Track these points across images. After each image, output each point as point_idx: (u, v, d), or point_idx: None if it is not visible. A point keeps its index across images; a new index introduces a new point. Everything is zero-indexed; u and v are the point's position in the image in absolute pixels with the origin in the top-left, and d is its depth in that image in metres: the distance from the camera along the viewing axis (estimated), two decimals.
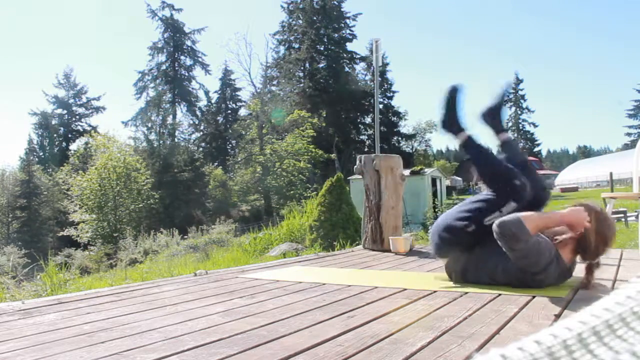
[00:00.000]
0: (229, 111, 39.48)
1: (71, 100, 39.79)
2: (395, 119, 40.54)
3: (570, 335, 0.37)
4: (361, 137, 39.31)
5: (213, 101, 38.62)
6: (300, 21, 38.41)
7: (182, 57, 36.27)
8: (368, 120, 38.44)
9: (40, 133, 39.53)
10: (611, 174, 17.19)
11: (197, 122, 37.03)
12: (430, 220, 8.87)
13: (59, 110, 39.61)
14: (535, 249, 2.11)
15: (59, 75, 39.60)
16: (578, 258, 2.30)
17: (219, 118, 39.08)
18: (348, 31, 39.24)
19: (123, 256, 12.55)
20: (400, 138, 41.47)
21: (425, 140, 46.68)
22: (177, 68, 35.88)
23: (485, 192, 2.53)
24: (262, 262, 4.93)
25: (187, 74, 36.46)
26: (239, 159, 34.49)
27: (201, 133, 37.63)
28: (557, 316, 1.72)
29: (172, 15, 35.44)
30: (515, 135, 57.36)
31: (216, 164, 36.12)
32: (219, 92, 39.23)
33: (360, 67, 40.35)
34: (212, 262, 7.98)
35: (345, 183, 8.92)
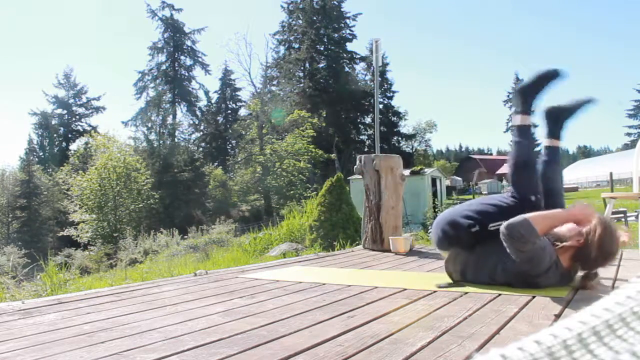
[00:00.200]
0: (229, 111, 39.50)
1: (71, 100, 39.81)
2: (395, 119, 40.57)
3: (570, 335, 0.37)
4: (361, 137, 39.33)
5: (213, 101, 38.67)
6: (300, 21, 38.43)
7: (182, 57, 36.30)
8: (368, 120, 38.46)
9: (40, 133, 39.57)
10: (611, 174, 17.20)
11: (197, 122, 37.07)
12: (430, 220, 8.87)
13: (59, 110, 39.66)
14: (539, 253, 2.10)
15: (59, 75, 39.70)
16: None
17: (219, 118, 39.10)
18: (348, 31, 39.27)
19: (123, 256, 12.56)
20: (400, 138, 41.50)
21: (425, 140, 46.76)
22: (177, 68, 35.89)
23: (498, 196, 2.50)
24: (262, 262, 4.93)
25: (187, 74, 36.50)
26: (239, 159, 34.49)
27: (201, 133, 37.65)
28: (557, 316, 1.72)
29: (172, 15, 35.49)
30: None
31: (216, 164, 36.14)
32: (219, 92, 39.28)
33: (360, 67, 40.42)
34: (212, 262, 7.98)
35: (345, 183, 8.92)
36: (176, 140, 34.87)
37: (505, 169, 44.95)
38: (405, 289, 2.33)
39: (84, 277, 8.33)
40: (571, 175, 41.17)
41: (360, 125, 38.72)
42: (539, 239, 2.09)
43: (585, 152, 76.42)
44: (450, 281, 2.47)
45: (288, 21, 38.89)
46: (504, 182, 34.36)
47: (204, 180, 32.94)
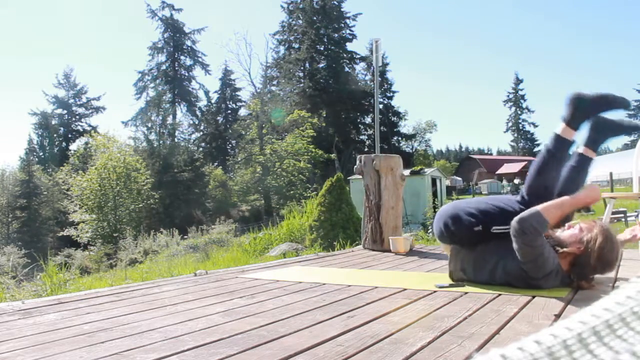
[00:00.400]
0: (229, 111, 39.51)
1: (71, 100, 39.82)
2: (395, 119, 40.60)
3: (570, 335, 0.37)
4: (361, 137, 39.36)
5: (213, 101, 38.68)
6: (300, 21, 38.44)
7: (182, 57, 36.31)
8: (368, 120, 38.47)
9: (40, 133, 39.57)
10: (611, 174, 17.21)
11: (197, 122, 37.08)
12: (430, 220, 8.88)
13: (59, 110, 39.67)
14: (545, 254, 2.09)
15: (59, 75, 39.71)
16: None
17: (219, 118, 39.11)
18: (348, 31, 39.29)
19: (123, 256, 12.55)
20: (400, 138, 41.54)
21: (425, 140, 46.80)
22: (177, 68, 35.90)
23: (505, 199, 2.45)
24: (262, 262, 4.93)
25: (187, 74, 36.51)
26: (239, 159, 34.50)
27: (201, 133, 37.66)
28: (557, 316, 1.72)
29: (172, 15, 35.49)
30: (515, 135, 57.46)
31: (216, 164, 36.15)
32: (219, 92, 39.29)
33: (360, 67, 40.45)
34: (212, 262, 7.98)
35: (345, 183, 8.93)
36: (176, 140, 34.88)
37: (505, 169, 44.94)
38: (405, 289, 2.33)
39: (84, 277, 8.33)
40: None
41: (360, 125, 38.73)
42: (542, 237, 2.08)
43: None
44: (451, 281, 2.47)
45: (288, 21, 38.92)
46: (504, 182, 34.36)
47: (204, 180, 32.94)
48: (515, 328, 1.55)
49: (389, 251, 4.28)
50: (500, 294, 2.11)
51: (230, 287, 2.52)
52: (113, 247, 17.90)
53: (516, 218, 2.11)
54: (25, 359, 1.30)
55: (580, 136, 2.47)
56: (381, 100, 38.68)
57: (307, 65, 38.04)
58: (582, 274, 2.19)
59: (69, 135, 39.51)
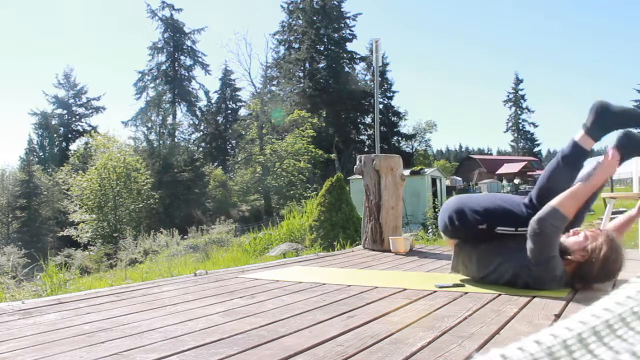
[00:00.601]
0: (229, 111, 39.51)
1: (71, 100, 39.81)
2: (395, 119, 40.60)
3: (570, 335, 0.37)
4: (361, 137, 39.36)
5: (213, 101, 38.69)
6: (300, 21, 38.44)
7: (182, 57, 36.31)
8: (368, 120, 38.47)
9: (40, 133, 39.55)
10: None
11: (197, 122, 37.08)
12: (431, 220, 8.87)
13: (59, 110, 39.66)
14: (556, 259, 2.08)
15: (59, 75, 39.69)
16: None
17: (219, 118, 39.11)
18: (348, 31, 39.29)
19: (123, 256, 12.55)
20: (400, 138, 41.54)
21: (425, 140, 46.78)
22: (177, 68, 35.90)
23: (513, 200, 2.41)
24: (262, 262, 4.93)
25: (187, 74, 36.50)
26: (239, 159, 34.50)
27: (201, 133, 37.66)
28: (557, 316, 1.72)
29: (172, 15, 35.49)
30: (515, 135, 57.46)
31: (216, 164, 36.15)
32: (219, 92, 39.29)
33: (360, 67, 40.45)
34: (212, 262, 7.98)
35: (345, 183, 8.93)
36: (176, 140, 34.87)
37: (505, 169, 44.91)
38: (405, 289, 2.33)
39: (84, 277, 8.33)
40: None
41: (360, 125, 38.73)
42: (559, 238, 2.06)
43: None
44: (451, 281, 2.47)
45: (288, 21, 38.92)
46: (504, 182, 34.34)
47: (204, 180, 32.94)
48: (515, 328, 1.55)
49: (389, 251, 4.28)
50: (500, 294, 2.10)
51: (230, 287, 2.52)
52: (113, 247, 17.90)
53: (534, 218, 2.08)
54: (25, 359, 1.30)
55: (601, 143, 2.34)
56: (381, 100, 38.68)
57: (307, 65, 38.04)
58: (584, 281, 2.17)
59: (69, 135, 39.50)
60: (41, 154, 39.40)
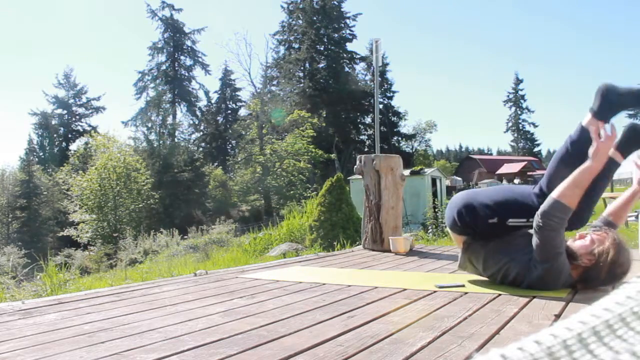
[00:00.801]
0: (229, 111, 39.50)
1: (71, 101, 39.79)
2: (395, 119, 40.58)
3: (570, 335, 0.37)
4: (361, 137, 39.34)
5: (213, 101, 38.66)
6: (300, 21, 38.42)
7: (182, 57, 36.28)
8: (368, 120, 38.46)
9: (40, 133, 39.52)
10: None
11: (197, 122, 37.06)
12: (430, 220, 8.87)
13: (59, 110, 39.62)
14: (562, 257, 2.07)
15: (59, 75, 39.65)
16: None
17: (219, 118, 39.09)
18: (348, 31, 39.27)
19: (123, 256, 12.55)
20: (400, 138, 41.52)
21: (425, 140, 46.77)
22: (177, 68, 35.88)
23: (523, 191, 2.35)
24: (262, 262, 4.93)
25: (187, 74, 36.48)
26: (239, 159, 34.49)
27: (201, 133, 37.65)
28: (557, 316, 1.72)
29: (172, 15, 35.46)
30: (515, 135, 57.47)
31: (216, 164, 36.13)
32: (219, 92, 39.27)
33: (360, 67, 40.42)
34: (212, 262, 7.98)
35: (345, 183, 8.93)
36: (176, 140, 34.85)
37: (505, 169, 44.90)
38: (405, 289, 2.33)
39: (84, 277, 8.33)
40: None
41: (360, 125, 38.72)
42: (563, 233, 2.05)
43: None
44: (451, 281, 2.47)
45: (288, 21, 38.90)
46: (504, 182, 34.33)
47: (204, 180, 32.93)
48: (515, 328, 1.55)
49: (389, 251, 4.28)
50: (500, 294, 2.10)
51: (230, 287, 2.52)
52: (113, 247, 17.89)
53: (538, 213, 2.06)
54: (25, 359, 1.30)
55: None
56: (381, 100, 38.67)
57: (307, 65, 38.03)
58: (590, 285, 2.15)
59: (69, 135, 39.48)
60: (41, 154, 39.38)
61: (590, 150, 2.08)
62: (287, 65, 37.42)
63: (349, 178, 13.41)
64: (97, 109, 40.30)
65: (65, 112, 39.68)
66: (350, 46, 39.69)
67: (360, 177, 4.89)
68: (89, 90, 40.81)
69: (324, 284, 2.53)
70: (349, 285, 2.47)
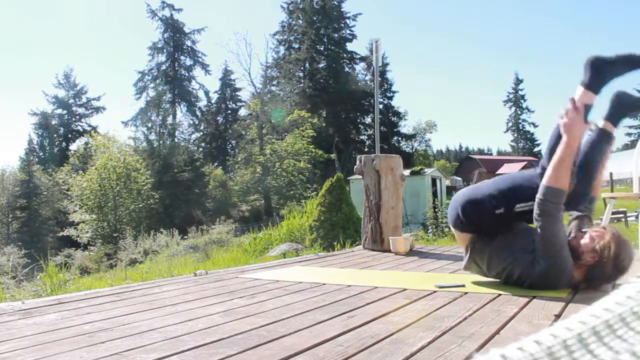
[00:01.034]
0: (229, 111, 39.49)
1: (71, 101, 39.80)
2: (395, 119, 40.58)
3: (570, 335, 0.37)
4: (361, 137, 39.34)
5: (213, 101, 38.65)
6: (300, 21, 38.42)
7: (182, 57, 36.28)
8: (368, 120, 38.46)
9: (40, 133, 39.52)
10: (611, 174, 17.16)
11: (197, 122, 37.05)
12: (430, 220, 8.87)
13: (59, 110, 39.63)
14: (565, 252, 2.06)
15: (59, 75, 39.65)
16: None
17: (219, 118, 39.09)
18: (348, 31, 39.26)
19: (123, 256, 12.55)
20: (400, 138, 41.52)
21: (425, 140, 46.81)
22: (177, 68, 35.88)
23: (527, 176, 2.30)
24: (262, 262, 4.93)
25: (187, 74, 36.47)
26: (239, 159, 34.49)
27: (201, 133, 37.65)
28: (557, 316, 1.72)
29: (172, 15, 35.46)
30: (515, 135, 57.48)
31: (216, 164, 36.12)
32: (219, 92, 39.26)
33: (360, 67, 40.42)
34: (212, 262, 7.98)
35: (345, 183, 8.93)
36: (176, 140, 34.85)
37: (505, 169, 44.95)
38: (405, 289, 2.33)
39: (84, 277, 8.33)
40: None
41: (360, 125, 38.72)
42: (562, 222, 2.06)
43: None
44: (450, 281, 2.47)
45: (288, 21, 38.90)
46: None
47: (204, 180, 32.92)
48: (515, 328, 1.55)
49: (389, 251, 4.28)
50: (500, 294, 2.10)
51: (230, 287, 2.52)
52: (113, 247, 17.89)
53: (535, 205, 2.08)
54: (25, 359, 1.30)
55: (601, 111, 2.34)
56: (381, 100, 38.66)
57: (307, 65, 38.03)
58: (597, 283, 2.14)
59: (69, 135, 39.49)
60: (41, 154, 39.38)
61: (561, 125, 2.11)
62: (287, 65, 37.42)
63: (349, 178, 13.41)
64: (97, 109, 40.32)
65: (65, 112, 39.69)
66: (350, 46, 39.74)
67: (360, 177, 4.89)
68: (89, 90, 40.85)
69: (324, 284, 2.53)
70: (349, 285, 2.47)
